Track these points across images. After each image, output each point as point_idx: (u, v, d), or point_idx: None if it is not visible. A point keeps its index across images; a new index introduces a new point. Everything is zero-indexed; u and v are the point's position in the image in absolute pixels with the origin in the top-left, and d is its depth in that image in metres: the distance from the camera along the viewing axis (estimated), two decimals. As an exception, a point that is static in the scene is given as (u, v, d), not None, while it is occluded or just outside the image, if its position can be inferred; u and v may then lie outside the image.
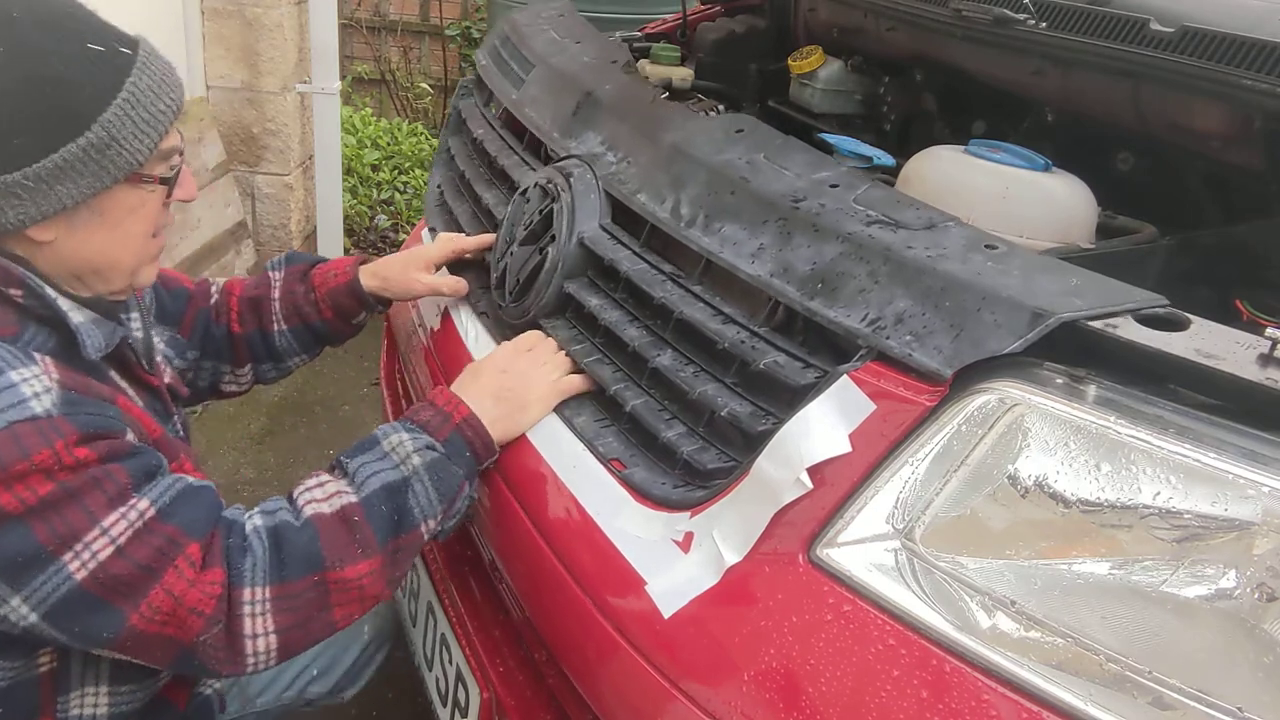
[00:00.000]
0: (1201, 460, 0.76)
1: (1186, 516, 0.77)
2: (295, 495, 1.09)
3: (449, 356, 1.43)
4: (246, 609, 1.00)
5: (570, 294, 1.28)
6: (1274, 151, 1.20)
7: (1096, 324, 0.85)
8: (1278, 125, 1.16)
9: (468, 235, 1.52)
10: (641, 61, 1.88)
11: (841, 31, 1.88)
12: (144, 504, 0.97)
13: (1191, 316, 0.88)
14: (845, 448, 0.89)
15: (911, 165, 1.33)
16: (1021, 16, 1.36)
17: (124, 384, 1.12)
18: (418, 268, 1.43)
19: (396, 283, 1.43)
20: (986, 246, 0.97)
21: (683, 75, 1.84)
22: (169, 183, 1.06)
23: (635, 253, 1.24)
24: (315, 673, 1.42)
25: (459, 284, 1.44)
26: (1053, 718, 0.74)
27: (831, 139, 1.49)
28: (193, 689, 1.25)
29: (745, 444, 1.01)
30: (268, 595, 1.00)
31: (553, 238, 1.31)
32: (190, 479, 1.05)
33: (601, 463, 1.10)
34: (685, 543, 0.98)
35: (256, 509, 1.07)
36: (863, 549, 0.88)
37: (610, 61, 1.58)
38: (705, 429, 1.08)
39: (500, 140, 1.64)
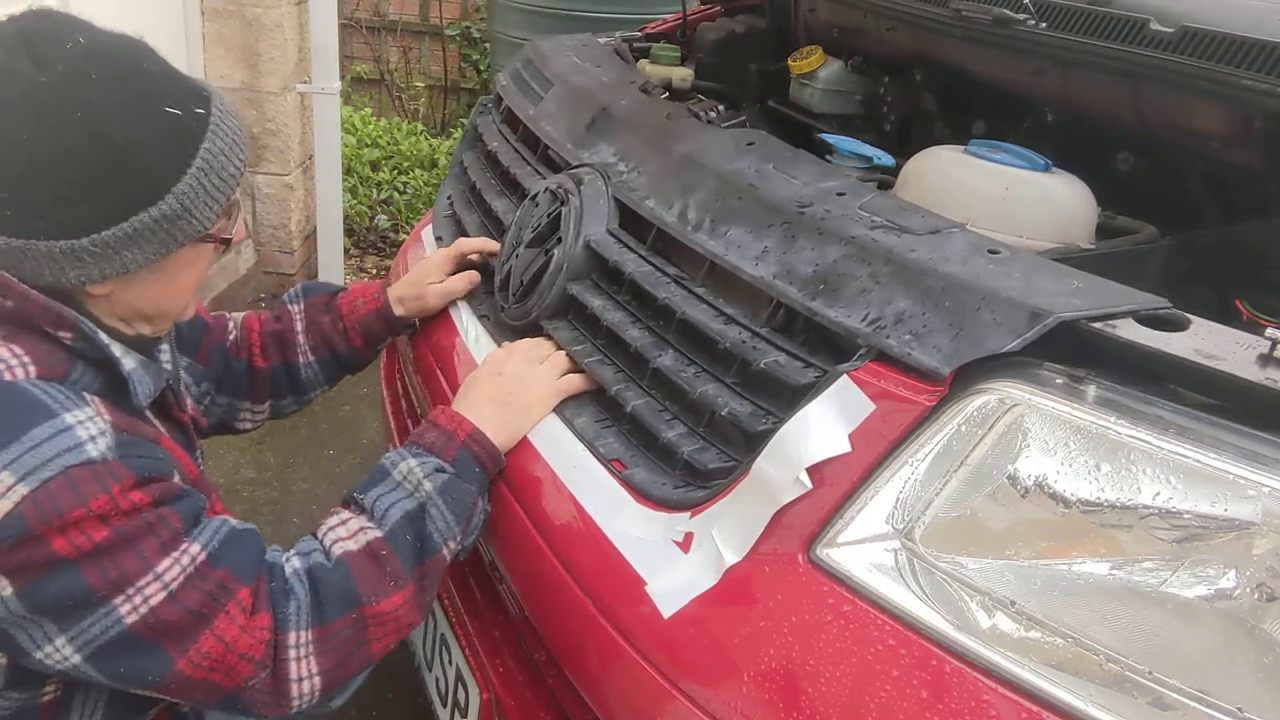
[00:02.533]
0: (1201, 460, 0.76)
1: (1186, 516, 0.77)
2: (321, 536, 1.08)
3: (449, 358, 1.43)
4: (292, 653, 0.99)
5: (573, 295, 1.28)
6: (1274, 151, 1.20)
7: (1096, 325, 0.85)
8: (1278, 125, 1.16)
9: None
10: (641, 61, 1.88)
11: (841, 31, 1.88)
12: (195, 548, 0.96)
13: (1191, 317, 0.88)
14: (845, 448, 0.90)
15: (911, 165, 1.33)
16: (1021, 17, 1.36)
17: (159, 424, 1.10)
18: (432, 280, 1.45)
19: (412, 302, 1.44)
20: (989, 251, 0.98)
21: (683, 75, 1.84)
22: (229, 240, 1.07)
23: (641, 256, 1.25)
24: None
25: (471, 276, 1.46)
26: (1053, 718, 0.74)
27: (831, 139, 1.49)
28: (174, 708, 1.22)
29: (745, 444, 1.01)
30: (310, 638, 1.00)
31: (559, 240, 1.31)
32: (233, 521, 1.04)
33: (602, 463, 1.10)
34: (685, 543, 0.98)
35: (293, 550, 1.06)
36: (862, 549, 0.88)
37: (629, 82, 1.59)
38: (706, 429, 1.08)
39: (514, 152, 1.66)
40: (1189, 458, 0.77)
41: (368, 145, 4.37)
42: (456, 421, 1.16)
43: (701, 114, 1.50)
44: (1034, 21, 1.35)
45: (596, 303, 1.24)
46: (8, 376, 0.91)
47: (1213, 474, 0.76)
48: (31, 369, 0.93)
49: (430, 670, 1.42)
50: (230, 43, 3.22)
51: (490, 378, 1.22)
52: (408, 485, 1.10)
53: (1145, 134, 1.35)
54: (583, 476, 1.10)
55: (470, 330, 1.42)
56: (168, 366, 1.16)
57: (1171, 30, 1.19)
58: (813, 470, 0.90)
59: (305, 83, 3.34)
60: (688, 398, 1.08)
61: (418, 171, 4.33)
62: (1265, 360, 0.81)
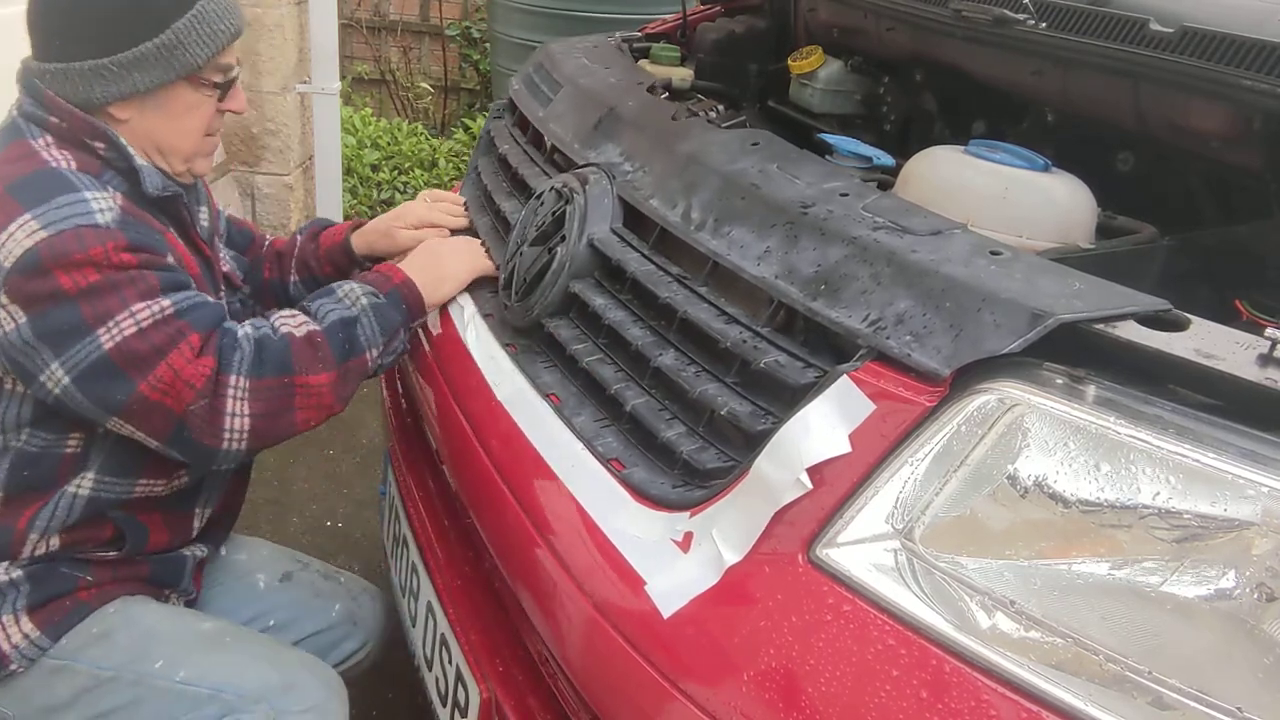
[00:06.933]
0: (1201, 460, 0.76)
1: (1186, 516, 0.77)
2: (272, 320, 1.33)
3: (448, 357, 1.43)
4: (229, 391, 1.23)
5: (575, 293, 1.28)
6: (1274, 151, 1.20)
7: (1097, 325, 0.85)
8: (1278, 125, 1.16)
9: (483, 245, 1.58)
10: (641, 61, 1.88)
11: (841, 31, 1.88)
12: (166, 302, 1.22)
13: (1191, 317, 0.88)
14: (845, 448, 0.90)
15: (911, 165, 1.33)
16: (1021, 17, 1.36)
17: (183, 243, 1.35)
18: (401, 225, 1.64)
19: (379, 240, 1.65)
20: (991, 252, 0.97)
21: (683, 75, 1.84)
22: (221, 89, 1.34)
23: (644, 255, 1.25)
24: (272, 623, 1.60)
25: (440, 234, 1.62)
26: (1053, 718, 0.74)
27: (831, 139, 1.49)
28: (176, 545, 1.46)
29: (745, 443, 1.01)
30: (247, 385, 1.24)
31: (562, 238, 1.32)
32: (210, 300, 1.30)
33: (601, 462, 1.10)
34: (685, 542, 0.98)
35: (247, 323, 1.31)
36: (862, 549, 0.88)
37: (636, 83, 1.61)
38: (705, 429, 1.08)
39: (522, 153, 1.68)
40: (1189, 458, 0.77)
41: (368, 146, 4.37)
42: (392, 269, 1.44)
43: (701, 114, 1.50)
44: (1034, 21, 1.35)
45: (598, 301, 1.25)
46: (54, 165, 1.23)
47: (1213, 474, 0.76)
48: (73, 163, 1.25)
49: (430, 670, 1.42)
50: (230, 43, 3.22)
51: (420, 252, 1.51)
52: (347, 301, 1.36)
53: (1145, 134, 1.35)
54: (582, 475, 1.10)
55: (471, 330, 1.42)
56: (204, 223, 1.45)
57: (1171, 30, 1.19)
58: (813, 470, 0.90)
59: (305, 83, 3.35)
60: (688, 397, 1.08)
61: (418, 171, 4.33)
62: (1265, 360, 0.81)
